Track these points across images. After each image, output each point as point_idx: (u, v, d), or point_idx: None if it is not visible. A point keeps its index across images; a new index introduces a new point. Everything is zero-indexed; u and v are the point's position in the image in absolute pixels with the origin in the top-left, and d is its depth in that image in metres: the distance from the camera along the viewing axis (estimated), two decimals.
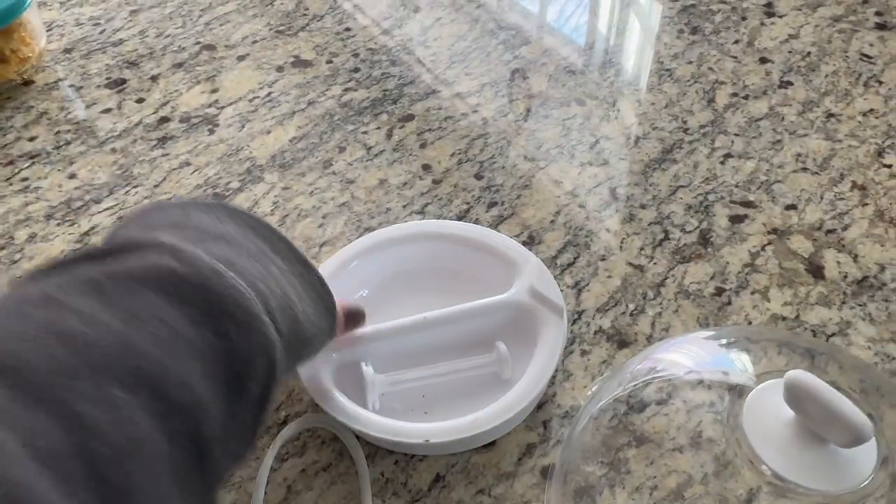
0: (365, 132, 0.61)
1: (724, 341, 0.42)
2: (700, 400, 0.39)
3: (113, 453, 0.21)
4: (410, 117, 0.62)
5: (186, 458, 0.24)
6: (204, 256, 0.27)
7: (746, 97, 0.63)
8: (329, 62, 0.69)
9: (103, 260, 0.26)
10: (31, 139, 0.61)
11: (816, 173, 0.56)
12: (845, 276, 0.49)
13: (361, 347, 0.42)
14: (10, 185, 0.58)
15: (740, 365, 0.37)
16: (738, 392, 0.35)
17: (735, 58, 0.67)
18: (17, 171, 0.59)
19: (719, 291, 0.49)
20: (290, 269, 0.34)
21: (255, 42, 0.71)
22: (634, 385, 0.41)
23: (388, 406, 0.41)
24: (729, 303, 0.48)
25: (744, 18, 0.72)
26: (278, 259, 0.33)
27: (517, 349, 0.43)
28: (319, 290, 0.35)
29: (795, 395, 0.30)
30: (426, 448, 0.40)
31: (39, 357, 0.22)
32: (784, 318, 0.47)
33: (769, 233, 0.52)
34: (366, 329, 0.42)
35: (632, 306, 0.48)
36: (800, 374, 0.30)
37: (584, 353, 0.46)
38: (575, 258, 0.51)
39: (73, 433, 0.21)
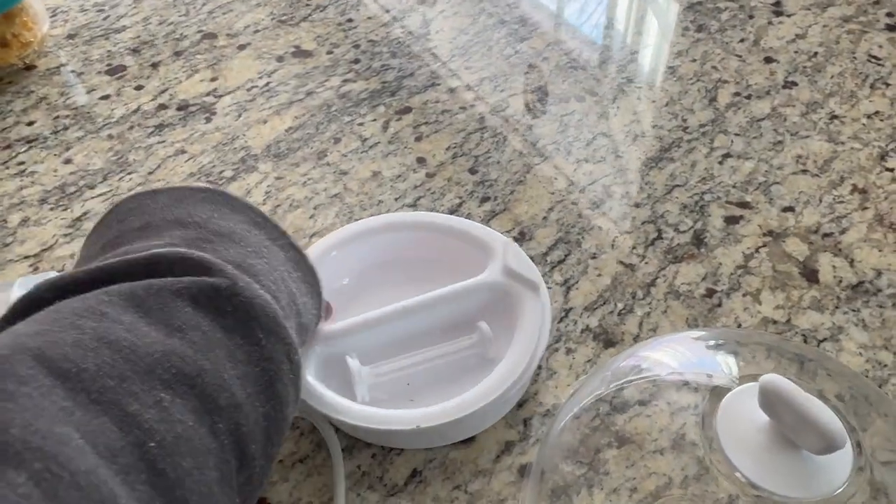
0: (361, 124, 0.61)
1: (711, 343, 0.41)
2: (683, 402, 0.39)
3: (165, 448, 0.23)
4: (408, 110, 0.62)
5: (230, 455, 0.26)
6: (229, 269, 0.29)
7: (749, 97, 0.62)
8: (329, 53, 0.68)
9: (143, 270, 0.28)
10: (30, 123, 0.62)
11: (816, 175, 0.55)
12: (840, 281, 0.48)
13: (342, 340, 0.42)
14: (7, 168, 0.58)
15: (726, 368, 0.37)
16: (717, 394, 0.34)
17: (740, 57, 0.66)
18: (13, 154, 0.59)
19: (710, 293, 0.48)
20: (287, 259, 0.35)
21: (256, 31, 0.71)
22: (618, 384, 0.40)
23: (373, 397, 0.41)
24: (719, 304, 0.47)
25: (751, 17, 0.71)
26: (276, 248, 0.34)
27: (499, 329, 0.42)
28: (311, 278, 0.36)
29: (769, 400, 0.29)
30: (418, 436, 0.40)
31: (94, 363, 0.24)
32: (775, 322, 0.46)
33: (764, 235, 0.51)
34: (347, 321, 0.42)
35: (620, 305, 0.47)
36: (774, 378, 0.29)
37: (569, 351, 0.45)
38: (565, 255, 0.50)
39: (128, 432, 0.23)
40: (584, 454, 0.40)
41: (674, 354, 0.41)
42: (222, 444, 0.26)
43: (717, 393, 0.34)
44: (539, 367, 0.44)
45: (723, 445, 0.30)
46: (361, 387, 0.40)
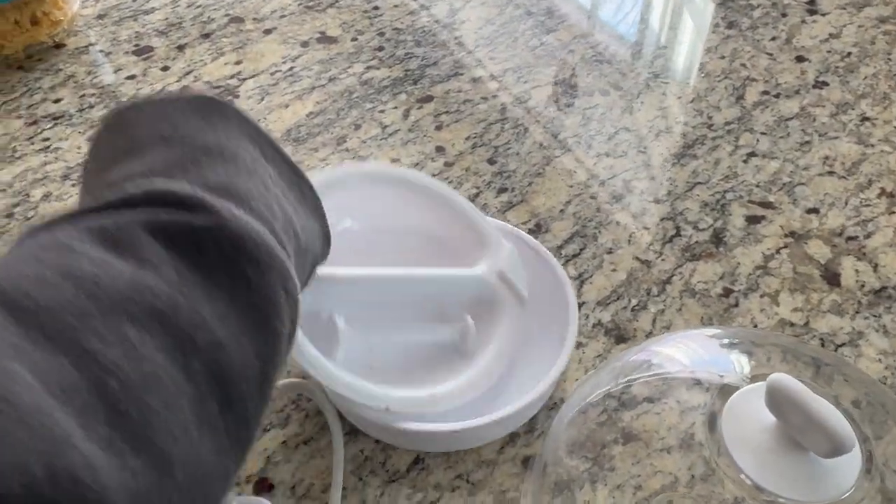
0: (382, 111, 0.61)
1: (725, 341, 0.41)
2: (692, 400, 0.38)
3: (127, 387, 0.22)
4: (429, 98, 0.62)
5: (209, 396, 0.24)
6: (213, 201, 0.26)
7: (778, 95, 0.61)
8: (354, 40, 0.68)
9: (118, 210, 0.26)
10: (57, 101, 0.62)
11: (844, 177, 0.54)
12: (862, 286, 0.47)
13: (325, 289, 0.40)
14: (32, 144, 0.59)
15: (738, 367, 0.36)
16: (726, 393, 0.33)
17: (770, 55, 0.65)
18: (39, 131, 0.60)
19: (727, 292, 0.47)
20: (282, 177, 0.32)
21: (283, 16, 0.71)
22: (627, 380, 0.40)
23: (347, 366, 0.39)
24: (736, 304, 0.46)
25: (784, 15, 0.69)
26: (271, 168, 0.31)
27: (479, 326, 0.42)
28: (312, 200, 0.33)
29: (776, 400, 0.29)
30: (386, 422, 0.38)
31: (52, 298, 0.22)
32: (792, 325, 0.45)
33: (786, 236, 0.50)
34: (335, 270, 0.40)
35: (634, 301, 0.47)
36: (782, 378, 0.28)
37: (579, 345, 0.44)
38: (581, 249, 0.50)
39: (85, 370, 0.21)
40: (589, 449, 0.39)
41: (686, 351, 0.40)
42: (198, 384, 0.24)
43: (727, 392, 0.33)
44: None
45: (728, 446, 0.30)
46: (340, 349, 0.39)
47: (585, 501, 0.37)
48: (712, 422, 0.31)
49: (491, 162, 0.56)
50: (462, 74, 0.64)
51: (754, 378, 0.34)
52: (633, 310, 0.46)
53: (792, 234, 0.50)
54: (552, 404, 0.42)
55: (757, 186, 0.54)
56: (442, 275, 0.43)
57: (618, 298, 0.47)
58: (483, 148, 0.57)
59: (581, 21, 0.70)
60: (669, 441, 0.37)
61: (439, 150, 0.57)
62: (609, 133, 0.58)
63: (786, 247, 0.50)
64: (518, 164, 0.56)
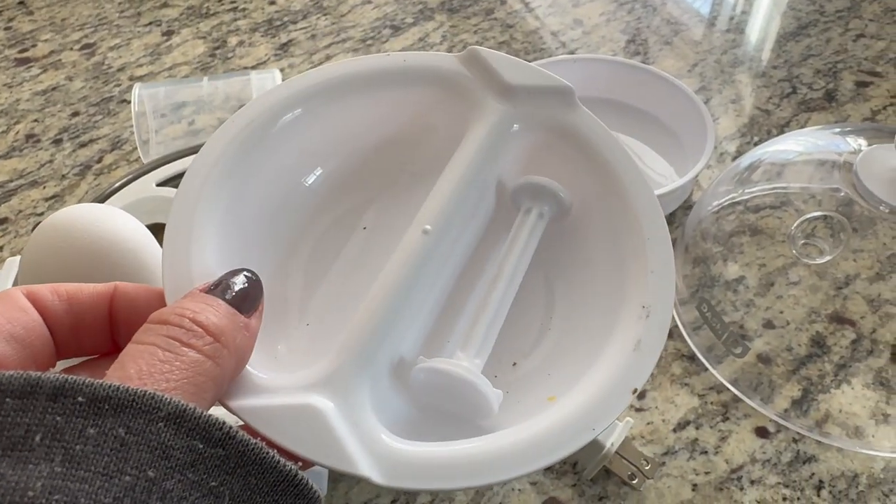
0: None
1: (838, 130, 0.45)
2: (814, 187, 0.44)
3: None
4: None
5: None
6: None
7: None
8: None
9: None
10: None
11: None
12: None
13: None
14: (222, 4, 0.68)
15: (857, 146, 0.42)
16: (852, 157, 0.39)
17: None
18: None
19: None
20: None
21: None
22: (751, 191, 0.47)
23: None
24: None
25: None
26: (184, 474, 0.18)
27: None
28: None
29: None
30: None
31: None
32: None
33: (892, 97, 0.57)
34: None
35: (756, 139, 0.54)
36: None
37: (709, 167, 0.52)
38: (707, 100, 0.57)
39: None
40: (721, 239, 0.46)
41: (803, 142, 0.46)
42: None
43: (852, 158, 0.39)
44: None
45: (865, 184, 0.37)
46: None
47: (719, 272, 0.45)
48: (848, 169, 0.38)
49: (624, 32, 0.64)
50: None
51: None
52: (755, 144, 0.54)
53: None
54: (688, 205, 0.50)
55: (865, 60, 0.60)
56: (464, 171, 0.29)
57: (742, 136, 0.54)
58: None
59: None
60: (791, 232, 0.44)
61: (577, 21, 0.65)
62: (728, 14, 0.65)
63: (892, 104, 0.56)
64: (649, 34, 0.63)
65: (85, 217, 0.30)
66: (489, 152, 0.29)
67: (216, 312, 0.20)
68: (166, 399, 0.17)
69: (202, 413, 0.18)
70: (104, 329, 0.22)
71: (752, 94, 0.58)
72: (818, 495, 0.35)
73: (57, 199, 0.51)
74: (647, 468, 0.35)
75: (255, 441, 0.18)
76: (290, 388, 0.22)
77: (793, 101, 0.57)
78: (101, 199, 0.45)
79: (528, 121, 0.30)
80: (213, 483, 0.18)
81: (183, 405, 0.17)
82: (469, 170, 0.28)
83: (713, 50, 0.62)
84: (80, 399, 0.17)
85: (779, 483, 0.36)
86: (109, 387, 0.17)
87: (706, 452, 0.37)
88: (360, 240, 0.31)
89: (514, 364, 0.28)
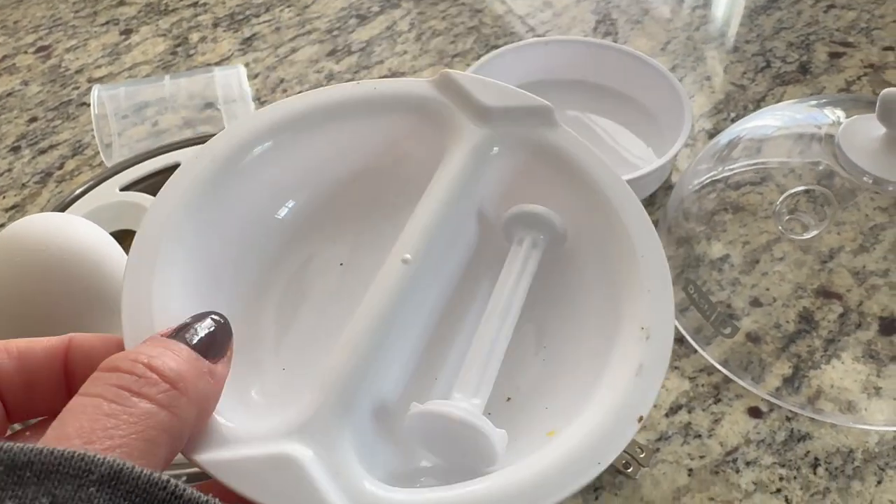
0: None
1: (814, 102, 0.45)
2: (793, 161, 0.43)
3: None
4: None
5: None
6: None
7: None
8: None
9: None
10: None
11: None
12: None
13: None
14: (181, 0, 0.66)
15: (835, 117, 0.42)
16: (830, 137, 0.39)
17: None
18: None
19: None
20: None
21: None
22: (731, 167, 0.46)
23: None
24: None
25: None
26: None
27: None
28: None
29: (888, 108, 0.35)
30: None
31: None
32: None
33: (866, 66, 0.57)
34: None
35: (734, 114, 0.53)
36: (895, 90, 0.35)
37: (688, 144, 0.51)
38: (681, 79, 0.57)
39: None
40: (703, 218, 0.46)
41: (781, 116, 0.45)
42: None
43: (832, 130, 0.39)
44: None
45: (847, 155, 0.36)
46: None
47: (703, 252, 0.45)
48: (829, 141, 0.38)
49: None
50: None
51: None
52: (732, 120, 0.53)
53: (871, 65, 0.57)
54: (668, 185, 0.49)
55: (837, 31, 0.60)
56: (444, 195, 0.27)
57: (718, 112, 0.54)
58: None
59: None
60: (774, 209, 0.44)
61: (546, 3, 0.64)
62: None
63: (865, 74, 0.56)
64: (618, 14, 0.63)
65: (42, 228, 0.28)
66: (469, 176, 0.28)
67: (175, 357, 0.18)
68: (99, 459, 0.15)
69: (142, 472, 0.15)
70: (59, 387, 0.20)
71: (725, 69, 0.57)
72: (815, 473, 0.35)
73: (18, 209, 0.49)
74: (641, 456, 0.34)
75: (206, 498, 0.16)
76: (264, 437, 0.21)
77: (767, 75, 0.56)
78: (62, 207, 0.43)
79: (508, 143, 0.29)
80: None
81: (119, 465, 0.15)
82: (449, 195, 0.27)
83: (684, 27, 0.61)
84: None
85: (774, 463, 0.35)
86: (31, 451, 0.15)
87: (700, 436, 0.36)
88: (336, 276, 0.29)
89: (509, 399, 0.26)
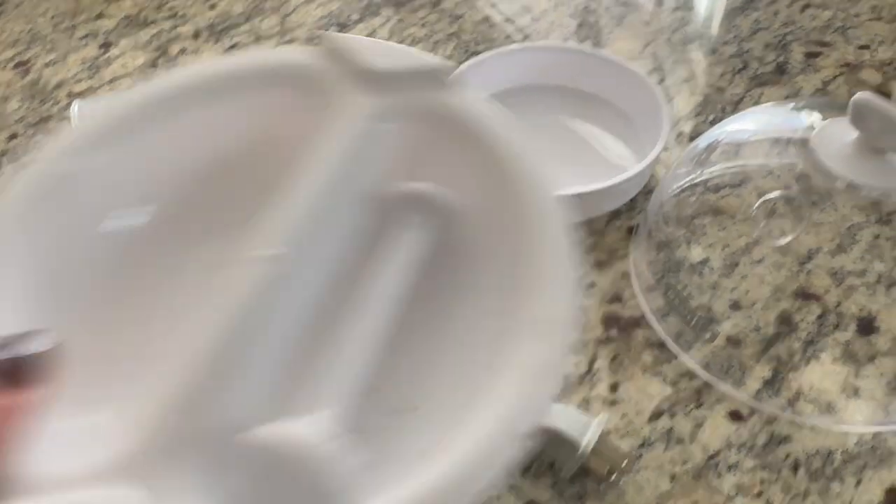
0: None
1: (792, 105, 0.45)
2: (771, 164, 0.43)
3: None
4: None
5: None
6: None
7: None
8: None
9: None
10: None
11: (891, 22, 0.61)
12: None
13: None
14: (160, 12, 0.66)
15: (810, 121, 0.42)
16: (805, 142, 0.40)
17: None
18: (164, 2, 0.67)
19: None
20: None
21: None
22: (711, 171, 0.46)
23: None
24: None
25: None
26: None
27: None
28: None
29: (860, 112, 0.36)
30: None
31: None
32: None
33: (841, 66, 0.57)
34: None
35: (712, 116, 0.54)
36: (866, 94, 0.36)
37: (667, 148, 0.52)
38: (661, 81, 0.57)
39: None
40: (683, 221, 0.46)
41: (758, 120, 0.46)
42: None
43: (804, 141, 0.39)
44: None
45: (821, 159, 0.37)
46: None
47: (683, 256, 0.45)
48: (804, 145, 0.38)
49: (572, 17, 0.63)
50: None
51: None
52: (710, 122, 0.53)
53: (847, 64, 0.57)
54: (648, 189, 0.49)
55: (813, 30, 0.60)
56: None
57: (697, 115, 0.54)
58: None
59: None
60: (752, 212, 0.44)
61: (526, 8, 0.64)
62: None
63: (841, 74, 0.56)
64: (601, 14, 0.63)
65: None
66: (354, 153, 0.24)
67: None
68: None
69: None
70: None
71: (704, 71, 0.57)
72: (795, 475, 0.35)
73: None
74: (624, 463, 0.34)
75: None
76: (86, 479, 0.17)
77: (745, 76, 0.57)
78: None
79: (401, 112, 0.25)
80: None
81: None
82: (325, 178, 0.23)
83: (664, 29, 0.62)
84: None
85: (755, 466, 0.36)
86: None
87: (682, 441, 0.37)
88: (199, 284, 0.24)
89: (381, 409, 0.23)
